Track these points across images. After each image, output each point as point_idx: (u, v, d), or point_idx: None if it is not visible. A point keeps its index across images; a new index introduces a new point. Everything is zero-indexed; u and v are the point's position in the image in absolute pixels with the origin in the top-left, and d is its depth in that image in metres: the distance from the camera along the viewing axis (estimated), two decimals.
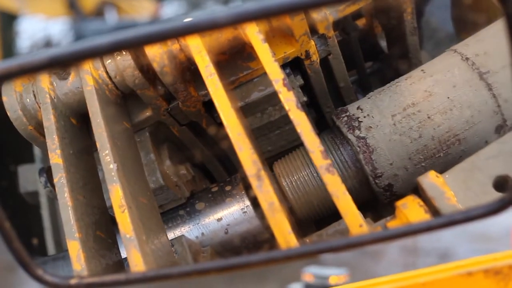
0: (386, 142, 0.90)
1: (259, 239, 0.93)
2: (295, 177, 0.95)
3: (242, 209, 0.93)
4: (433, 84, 0.91)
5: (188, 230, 0.93)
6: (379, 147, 0.90)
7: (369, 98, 0.96)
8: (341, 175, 0.92)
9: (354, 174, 0.93)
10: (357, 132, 0.91)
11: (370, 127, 0.91)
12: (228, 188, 0.96)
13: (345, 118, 0.93)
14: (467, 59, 0.92)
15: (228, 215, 0.93)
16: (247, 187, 0.94)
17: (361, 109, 0.93)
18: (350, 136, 0.91)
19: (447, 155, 0.90)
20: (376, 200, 0.95)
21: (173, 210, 0.96)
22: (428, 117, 0.90)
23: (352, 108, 0.95)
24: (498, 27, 0.94)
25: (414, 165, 0.90)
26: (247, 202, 0.93)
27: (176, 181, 0.98)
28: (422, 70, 0.95)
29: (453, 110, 0.89)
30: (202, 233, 0.93)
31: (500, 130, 0.90)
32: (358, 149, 0.90)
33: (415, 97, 0.91)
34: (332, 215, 0.92)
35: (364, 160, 0.90)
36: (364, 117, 0.92)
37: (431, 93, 0.91)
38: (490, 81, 0.89)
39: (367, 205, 0.91)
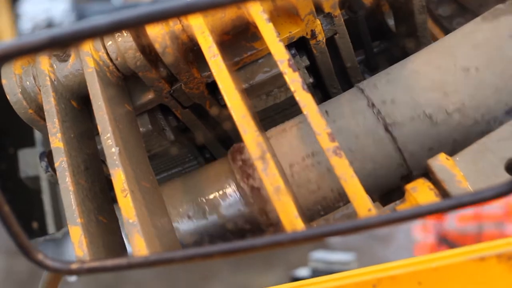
0: None
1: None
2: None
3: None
4: (335, 132, 0.84)
5: None
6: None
7: (270, 139, 0.90)
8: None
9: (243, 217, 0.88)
10: (251, 181, 0.85)
11: None
12: None
13: (240, 163, 0.87)
14: (373, 105, 0.86)
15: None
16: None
17: None
18: (243, 185, 0.86)
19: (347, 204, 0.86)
20: None
21: None
22: (328, 170, 0.84)
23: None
24: (412, 66, 0.88)
25: (312, 214, 0.86)
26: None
27: (163, 124, 1.00)
28: (326, 111, 0.89)
29: (354, 163, 0.81)
30: None
31: (405, 179, 0.86)
32: (252, 200, 0.85)
33: (315, 145, 0.85)
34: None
35: (258, 211, 0.85)
36: None
37: None
38: (395, 134, 0.84)
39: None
